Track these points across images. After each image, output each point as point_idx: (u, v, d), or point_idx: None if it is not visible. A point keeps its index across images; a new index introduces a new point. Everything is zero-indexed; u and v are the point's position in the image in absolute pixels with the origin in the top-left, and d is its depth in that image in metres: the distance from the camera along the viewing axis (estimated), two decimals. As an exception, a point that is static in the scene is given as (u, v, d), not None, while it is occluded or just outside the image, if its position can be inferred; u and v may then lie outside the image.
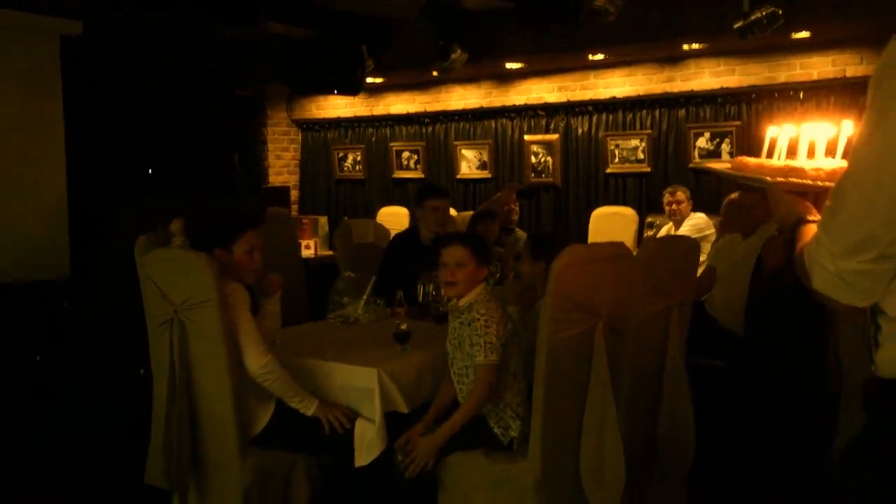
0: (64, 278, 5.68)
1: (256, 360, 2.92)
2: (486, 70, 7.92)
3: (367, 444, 2.92)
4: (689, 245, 3.31)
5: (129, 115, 7.07)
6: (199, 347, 2.94)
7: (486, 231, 5.09)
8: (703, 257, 4.86)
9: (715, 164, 2.23)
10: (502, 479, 2.81)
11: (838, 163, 1.75)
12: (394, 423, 2.96)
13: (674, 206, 6.17)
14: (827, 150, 1.79)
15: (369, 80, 7.47)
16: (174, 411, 2.92)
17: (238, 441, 2.94)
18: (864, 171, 1.33)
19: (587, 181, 7.92)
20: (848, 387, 3.80)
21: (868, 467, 1.41)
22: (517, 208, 6.32)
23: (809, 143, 1.80)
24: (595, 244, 2.95)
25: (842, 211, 1.35)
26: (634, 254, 3.05)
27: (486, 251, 3.12)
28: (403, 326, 3.26)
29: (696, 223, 5.95)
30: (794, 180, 1.75)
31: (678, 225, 6.10)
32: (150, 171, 7.58)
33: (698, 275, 4.29)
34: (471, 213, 5.28)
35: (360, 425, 2.95)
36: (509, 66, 7.59)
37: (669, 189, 6.33)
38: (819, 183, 1.72)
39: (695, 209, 6.25)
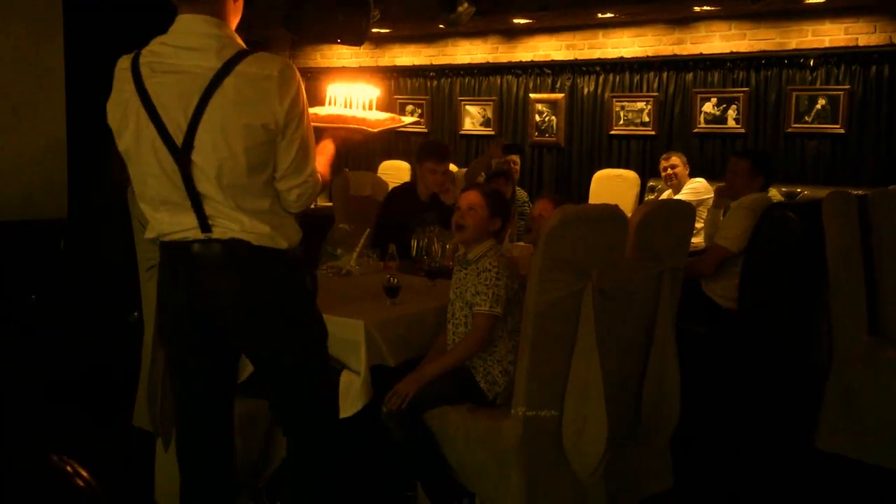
0: (61, 218, 5.66)
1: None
2: (493, 25, 7.82)
3: (352, 395, 2.92)
4: (684, 210, 3.27)
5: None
6: (188, 293, 2.92)
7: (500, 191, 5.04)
8: (699, 224, 4.84)
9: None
10: (485, 435, 2.82)
11: (377, 114, 2.86)
12: (382, 379, 2.96)
13: (669, 172, 6.12)
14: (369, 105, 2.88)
15: (375, 30, 7.37)
16: (160, 355, 2.93)
17: (224, 387, 2.93)
18: None
19: (591, 142, 7.86)
20: (838, 356, 3.81)
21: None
22: (517, 167, 6.25)
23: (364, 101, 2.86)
24: (588, 205, 2.93)
25: None
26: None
27: (501, 203, 3.11)
28: (394, 280, 3.25)
29: (695, 187, 5.91)
30: (340, 125, 2.82)
31: (677, 190, 6.07)
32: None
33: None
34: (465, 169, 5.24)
35: (345, 377, 2.95)
36: (517, 21, 7.48)
37: (664, 155, 6.29)
38: (364, 127, 2.77)
39: (696, 175, 6.20)
